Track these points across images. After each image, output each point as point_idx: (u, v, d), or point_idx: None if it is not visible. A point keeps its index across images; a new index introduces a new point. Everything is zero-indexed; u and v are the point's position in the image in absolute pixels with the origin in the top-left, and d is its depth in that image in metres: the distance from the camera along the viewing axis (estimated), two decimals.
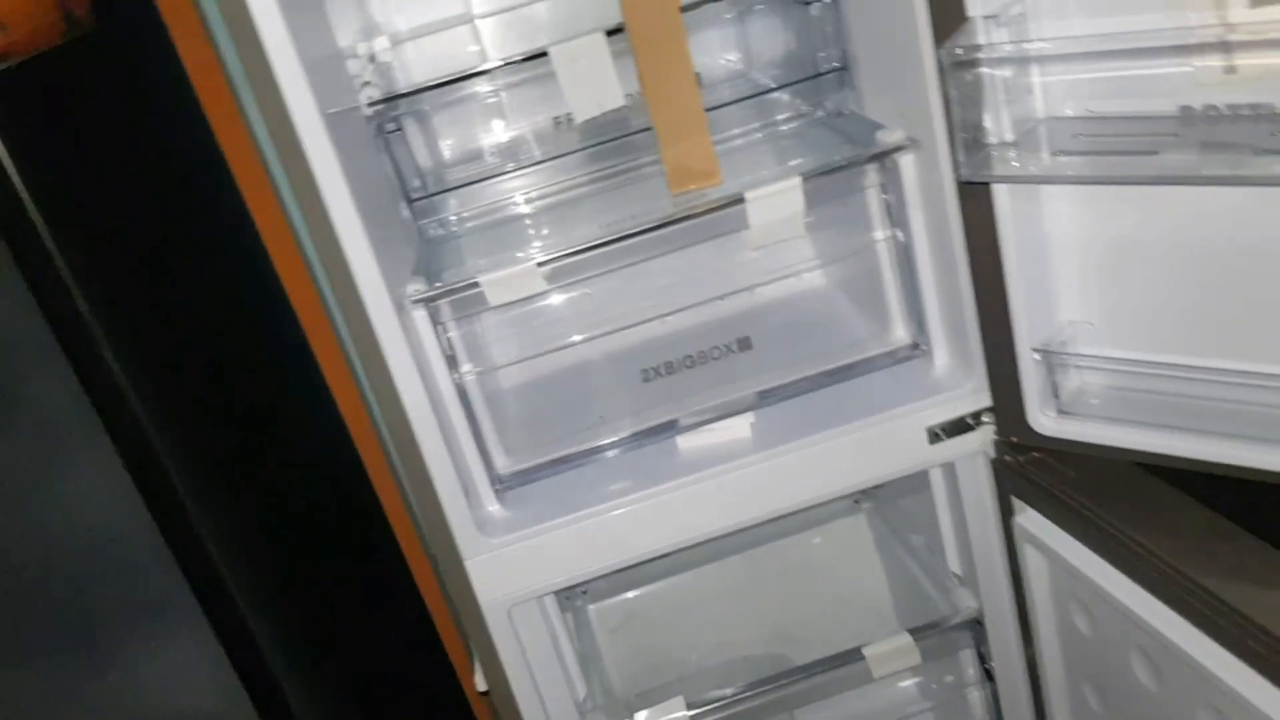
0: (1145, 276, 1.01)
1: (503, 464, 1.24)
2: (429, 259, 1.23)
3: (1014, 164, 0.92)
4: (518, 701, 1.26)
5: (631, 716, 1.31)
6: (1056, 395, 1.07)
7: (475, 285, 1.12)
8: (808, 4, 1.22)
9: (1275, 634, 0.87)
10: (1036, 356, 1.06)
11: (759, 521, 1.23)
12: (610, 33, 1.15)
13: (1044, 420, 1.09)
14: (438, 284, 1.13)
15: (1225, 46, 0.80)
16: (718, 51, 1.45)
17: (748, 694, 1.34)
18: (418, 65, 1.34)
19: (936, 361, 1.24)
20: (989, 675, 1.41)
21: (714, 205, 1.14)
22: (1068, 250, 1.03)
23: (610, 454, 1.24)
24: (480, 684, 1.25)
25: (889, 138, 1.15)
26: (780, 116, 1.32)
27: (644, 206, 1.19)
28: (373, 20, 1.44)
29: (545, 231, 1.29)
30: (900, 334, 1.28)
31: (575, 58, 1.16)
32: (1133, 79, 0.88)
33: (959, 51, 0.92)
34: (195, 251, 1.33)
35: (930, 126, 1.08)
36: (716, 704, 1.33)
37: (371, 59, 1.35)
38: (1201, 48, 0.81)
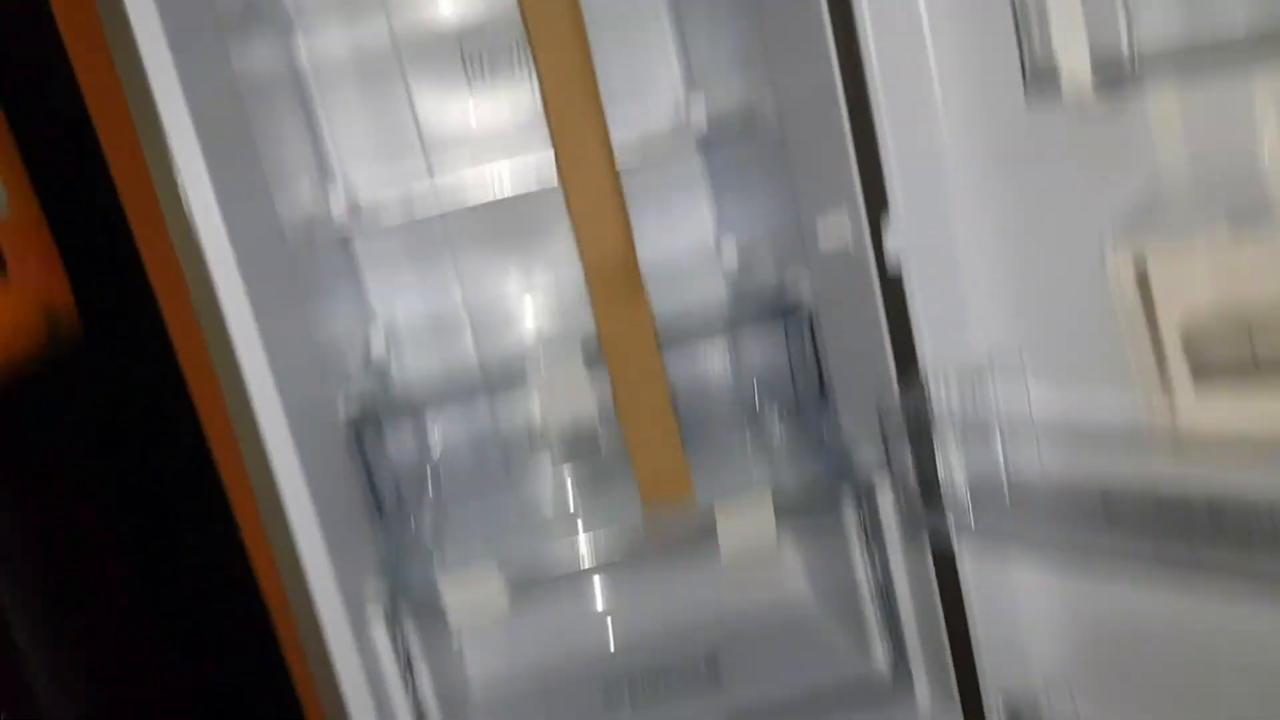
0: (1130, 646, 0.96)
1: None
2: (394, 558, 1.21)
3: (969, 523, 0.90)
4: None
5: None
6: None
7: (437, 603, 1.10)
8: (787, 332, 1.24)
9: None
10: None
11: None
12: (588, 359, 1.17)
13: None
14: (397, 599, 1.11)
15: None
16: (704, 360, 1.47)
17: None
18: (413, 365, 1.38)
19: (919, 696, 1.18)
20: None
21: (684, 524, 1.13)
22: (1041, 609, 1.00)
23: None
24: None
25: (865, 464, 1.14)
26: (759, 428, 1.32)
27: (617, 521, 1.18)
28: (370, 308, 1.49)
29: (517, 550, 1.27)
30: (879, 664, 1.23)
31: (555, 381, 1.18)
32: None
33: (905, 409, 0.91)
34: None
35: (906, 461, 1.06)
36: None
37: (366, 361, 1.40)
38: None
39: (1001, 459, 0.92)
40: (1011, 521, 0.90)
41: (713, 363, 1.45)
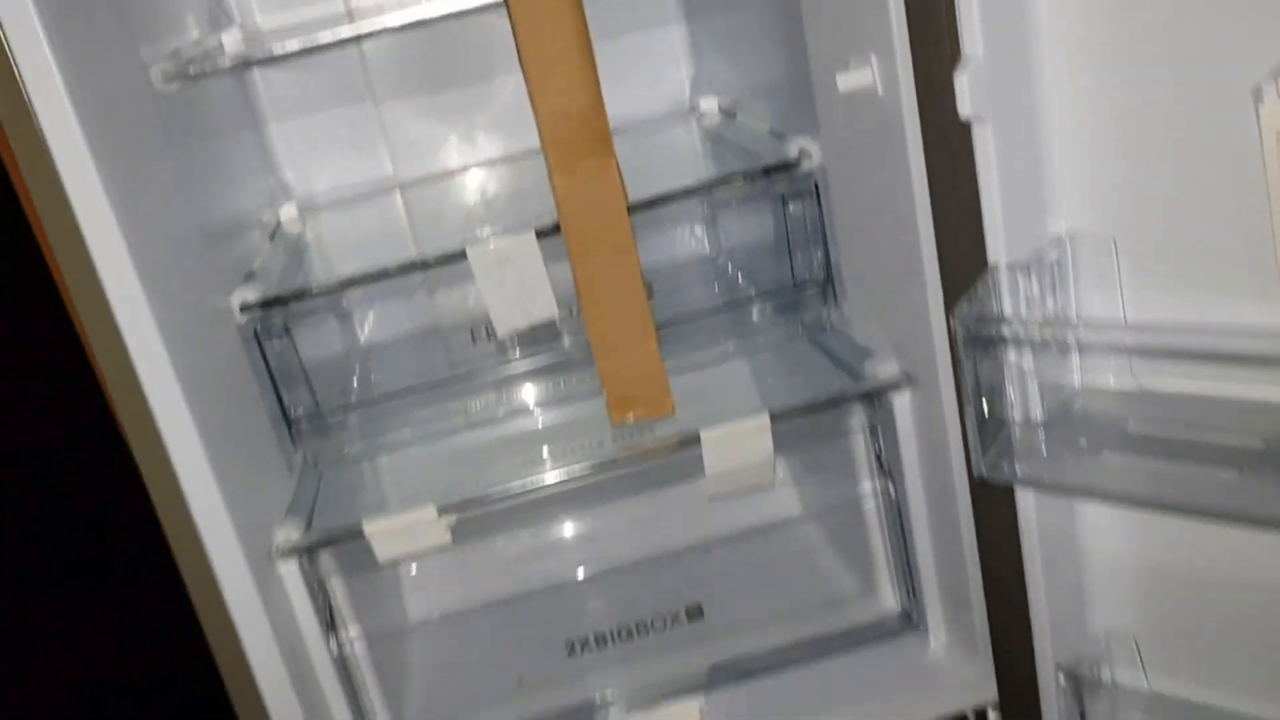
0: (1202, 603, 0.78)
1: None
2: (309, 495, 1.00)
3: (1042, 455, 0.70)
4: None
5: None
6: None
7: (359, 535, 0.89)
8: (785, 202, 1.01)
9: None
10: (1061, 680, 0.82)
11: None
12: (542, 234, 0.94)
13: None
14: (312, 533, 0.91)
15: None
16: (682, 244, 1.24)
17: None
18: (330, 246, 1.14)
19: (932, 639, 1.01)
20: None
21: (661, 448, 0.92)
22: (1110, 560, 0.80)
23: None
24: None
25: (881, 371, 0.94)
26: (749, 327, 1.10)
27: (579, 438, 0.97)
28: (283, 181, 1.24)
29: (460, 470, 1.06)
30: (888, 602, 1.05)
31: (502, 260, 0.95)
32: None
33: (974, 326, 0.70)
34: None
35: (932, 361, 0.86)
36: None
37: (275, 231, 1.16)
38: None
39: (1078, 379, 0.71)
40: (1091, 455, 0.70)
41: (690, 245, 1.22)
